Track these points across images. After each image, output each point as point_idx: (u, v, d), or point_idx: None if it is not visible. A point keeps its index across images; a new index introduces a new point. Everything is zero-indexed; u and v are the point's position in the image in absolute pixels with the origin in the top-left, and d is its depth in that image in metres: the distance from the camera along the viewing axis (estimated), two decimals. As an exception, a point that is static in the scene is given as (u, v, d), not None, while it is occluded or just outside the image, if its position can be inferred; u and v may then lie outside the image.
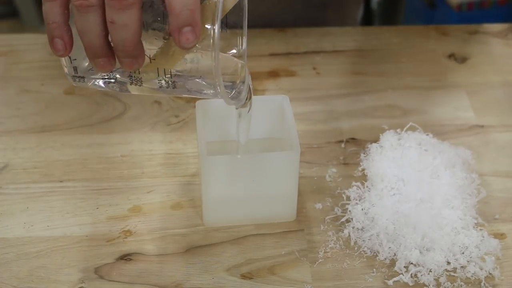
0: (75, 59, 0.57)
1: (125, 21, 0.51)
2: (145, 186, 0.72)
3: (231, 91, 0.60)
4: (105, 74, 0.57)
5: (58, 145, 0.76)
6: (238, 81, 0.61)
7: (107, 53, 0.53)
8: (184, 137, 0.77)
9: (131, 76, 0.56)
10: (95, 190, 0.71)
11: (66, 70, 0.58)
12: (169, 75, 0.56)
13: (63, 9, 0.53)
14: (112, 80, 0.58)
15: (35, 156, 0.75)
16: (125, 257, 0.65)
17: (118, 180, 0.72)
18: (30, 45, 0.88)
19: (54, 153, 0.75)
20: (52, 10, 0.53)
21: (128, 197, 0.71)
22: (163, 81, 0.56)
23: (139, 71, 0.56)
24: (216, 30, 0.52)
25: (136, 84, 0.57)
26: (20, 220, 0.68)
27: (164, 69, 0.55)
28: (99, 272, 0.64)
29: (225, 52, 0.61)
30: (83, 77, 0.58)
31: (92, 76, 0.58)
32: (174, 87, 0.56)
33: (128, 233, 0.67)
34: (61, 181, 0.72)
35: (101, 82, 0.58)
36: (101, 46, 0.53)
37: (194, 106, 0.68)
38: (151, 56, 0.55)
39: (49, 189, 0.71)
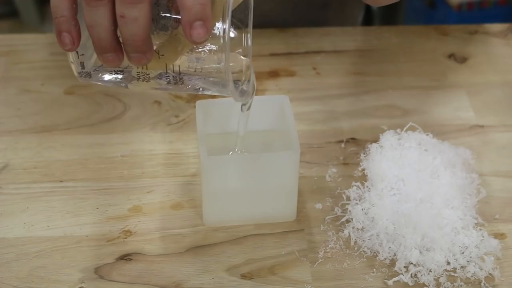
0: (83, 54, 0.56)
1: (135, 15, 0.51)
2: (145, 186, 0.72)
3: (238, 88, 0.60)
4: (112, 70, 0.57)
5: (58, 145, 0.76)
6: (244, 79, 0.61)
7: (116, 48, 0.53)
8: (184, 137, 0.77)
9: (139, 72, 0.56)
10: (95, 190, 0.71)
11: (72, 66, 0.57)
12: (177, 71, 0.56)
13: (71, 3, 0.53)
14: (120, 76, 0.57)
15: (35, 156, 0.75)
16: (125, 257, 0.65)
17: (118, 180, 0.72)
18: (30, 45, 0.88)
19: (54, 153, 0.75)
20: (60, 4, 0.53)
21: (128, 197, 0.71)
22: (170, 78, 0.56)
23: (146, 67, 0.56)
24: (226, 27, 0.52)
25: (143, 80, 0.57)
26: (20, 220, 0.68)
27: (172, 66, 0.55)
28: (99, 272, 0.64)
29: (231, 50, 0.61)
30: (89, 73, 0.57)
31: (99, 72, 0.57)
32: (182, 83, 0.56)
33: (128, 233, 0.68)
34: (61, 181, 0.72)
35: (107, 78, 0.58)
36: (110, 41, 0.53)
37: (194, 106, 0.68)
38: (159, 52, 0.55)
39: (49, 189, 0.71)
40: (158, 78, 0.57)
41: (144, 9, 0.51)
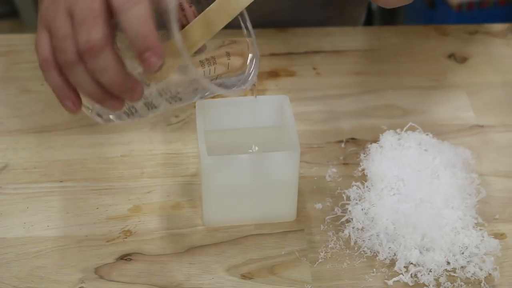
0: (89, 109, 0.60)
1: (103, 65, 0.53)
2: (145, 186, 0.72)
3: (243, 80, 0.61)
4: (124, 110, 0.59)
5: (58, 145, 0.76)
6: (246, 71, 0.61)
7: (109, 95, 0.55)
8: (184, 137, 0.77)
9: (145, 103, 0.58)
10: (95, 190, 0.71)
11: (93, 119, 0.61)
12: (172, 93, 0.57)
13: (59, 72, 0.56)
14: (134, 112, 0.59)
15: (35, 156, 0.75)
16: (125, 257, 0.65)
17: (118, 180, 0.72)
18: (30, 45, 0.88)
19: (54, 153, 0.75)
20: (50, 76, 0.56)
21: (128, 197, 0.71)
22: (170, 99, 0.58)
23: (147, 98, 0.58)
24: (174, 32, 0.53)
25: (152, 109, 0.59)
26: (20, 220, 0.68)
27: (166, 89, 0.57)
28: (99, 272, 0.64)
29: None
30: (109, 119, 0.60)
31: (117, 116, 0.60)
32: (180, 99, 0.58)
33: (128, 233, 0.68)
34: (61, 181, 0.72)
35: (126, 118, 0.60)
36: (100, 92, 0.55)
37: (194, 106, 0.68)
38: (147, 80, 0.57)
39: (49, 189, 0.71)
40: (162, 103, 0.58)
41: (108, 56, 0.53)
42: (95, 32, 0.52)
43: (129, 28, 0.52)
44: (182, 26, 0.60)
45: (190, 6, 0.61)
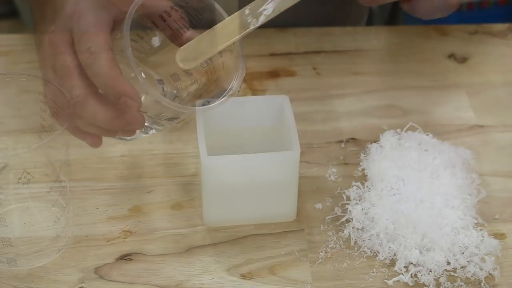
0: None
1: (92, 114, 0.56)
2: (145, 186, 0.72)
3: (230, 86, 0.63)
4: (145, 128, 0.62)
5: (58, 145, 0.76)
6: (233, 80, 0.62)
7: (116, 130, 0.59)
8: (184, 137, 0.77)
9: (154, 122, 0.61)
10: (95, 190, 0.71)
11: (120, 140, 0.65)
12: (168, 116, 0.61)
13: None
14: (149, 130, 0.63)
15: (35, 156, 0.74)
16: (125, 257, 0.65)
17: (118, 180, 0.72)
18: (30, 45, 0.88)
19: (54, 153, 0.75)
20: (64, 124, 0.59)
21: (128, 197, 0.71)
22: (171, 119, 0.61)
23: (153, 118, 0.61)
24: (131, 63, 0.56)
25: (161, 126, 0.62)
26: (20, 220, 0.68)
27: (160, 114, 0.60)
28: (99, 272, 0.64)
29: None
30: (133, 138, 0.64)
31: (138, 134, 0.63)
32: (178, 117, 0.61)
33: (128, 233, 0.67)
34: (61, 181, 0.72)
35: (146, 135, 0.64)
36: (105, 131, 0.59)
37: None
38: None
39: (49, 189, 0.71)
40: (165, 123, 0.62)
41: (93, 105, 0.56)
42: (74, 89, 0.56)
43: (97, 83, 0.55)
44: (172, 35, 0.62)
45: (169, 16, 0.61)
